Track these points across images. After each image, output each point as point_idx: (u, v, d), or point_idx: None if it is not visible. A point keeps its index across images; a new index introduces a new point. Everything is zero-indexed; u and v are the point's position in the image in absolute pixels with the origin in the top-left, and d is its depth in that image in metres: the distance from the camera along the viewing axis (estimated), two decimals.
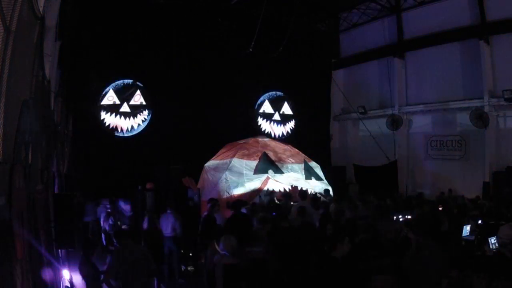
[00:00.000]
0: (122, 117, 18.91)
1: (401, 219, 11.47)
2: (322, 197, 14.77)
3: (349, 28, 25.00)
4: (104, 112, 18.58)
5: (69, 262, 9.67)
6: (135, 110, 19.21)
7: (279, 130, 24.11)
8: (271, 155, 16.51)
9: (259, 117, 23.41)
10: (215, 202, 11.84)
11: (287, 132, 24.40)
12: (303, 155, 17.73)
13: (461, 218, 11.44)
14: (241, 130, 19.77)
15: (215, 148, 17.50)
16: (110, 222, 12.41)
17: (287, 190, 15.00)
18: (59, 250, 8.36)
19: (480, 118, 18.29)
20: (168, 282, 10.94)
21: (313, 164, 17.45)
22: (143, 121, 19.33)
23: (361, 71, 24.79)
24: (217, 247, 7.59)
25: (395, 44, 22.49)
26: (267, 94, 23.62)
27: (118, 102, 18.81)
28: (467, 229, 10.57)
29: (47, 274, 6.00)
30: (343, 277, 5.51)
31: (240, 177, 15.33)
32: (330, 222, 8.56)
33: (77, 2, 14.15)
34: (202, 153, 17.47)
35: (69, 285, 8.12)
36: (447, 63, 20.12)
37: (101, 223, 13.17)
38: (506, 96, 17.58)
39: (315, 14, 23.65)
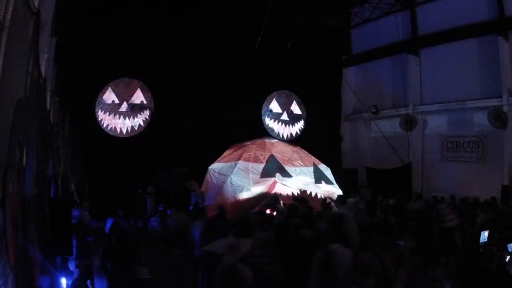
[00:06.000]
0: (122, 117, 18.91)
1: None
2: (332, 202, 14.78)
3: (360, 23, 24.88)
4: (103, 112, 18.59)
5: (65, 269, 9.67)
6: (135, 110, 19.22)
7: (287, 130, 24.07)
8: (278, 157, 16.51)
9: (266, 117, 23.38)
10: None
11: (296, 133, 24.33)
12: (313, 157, 17.72)
13: None
14: (247, 130, 19.74)
15: (219, 149, 17.53)
16: None
17: (295, 194, 14.97)
18: (56, 257, 8.37)
19: (498, 118, 18.18)
20: None
21: (322, 166, 17.43)
22: (143, 121, 19.32)
23: (374, 68, 24.71)
24: None
25: (409, 41, 22.39)
26: (274, 93, 23.59)
27: (117, 101, 18.83)
28: (484, 235, 10.50)
29: (43, 282, 6.01)
30: None
31: (246, 180, 15.33)
32: None
33: None
34: (206, 155, 17.50)
35: None
36: (464, 60, 19.98)
37: None
38: None
39: (324, 8, 23.51)
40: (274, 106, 23.55)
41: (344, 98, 25.68)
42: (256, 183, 15.29)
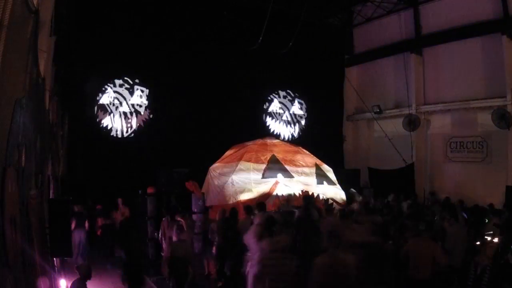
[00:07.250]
0: (122, 117, 18.93)
1: None
2: (334, 203, 14.77)
3: (363, 22, 24.87)
4: (102, 112, 18.61)
5: (64, 271, 9.68)
6: (135, 110, 19.23)
7: (288, 131, 24.07)
8: (280, 157, 16.45)
9: (267, 117, 23.38)
10: None
11: (297, 133, 24.36)
12: (315, 157, 17.66)
13: None
14: (248, 131, 19.71)
15: (220, 150, 17.48)
16: None
17: (297, 195, 14.95)
18: (54, 258, 8.36)
19: (502, 118, 18.14)
20: None
21: (325, 167, 17.38)
22: (144, 121, 19.34)
23: (376, 68, 24.68)
24: None
25: (412, 40, 22.37)
26: (275, 93, 23.60)
27: (117, 101, 18.84)
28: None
29: (42, 283, 6.00)
30: None
31: (248, 181, 15.27)
32: None
33: None
34: (206, 155, 17.46)
35: None
36: (468, 59, 19.97)
37: None
38: None
39: (326, 7, 23.52)
40: (276, 106, 23.56)
41: (346, 98, 25.71)
42: (257, 183, 15.23)
